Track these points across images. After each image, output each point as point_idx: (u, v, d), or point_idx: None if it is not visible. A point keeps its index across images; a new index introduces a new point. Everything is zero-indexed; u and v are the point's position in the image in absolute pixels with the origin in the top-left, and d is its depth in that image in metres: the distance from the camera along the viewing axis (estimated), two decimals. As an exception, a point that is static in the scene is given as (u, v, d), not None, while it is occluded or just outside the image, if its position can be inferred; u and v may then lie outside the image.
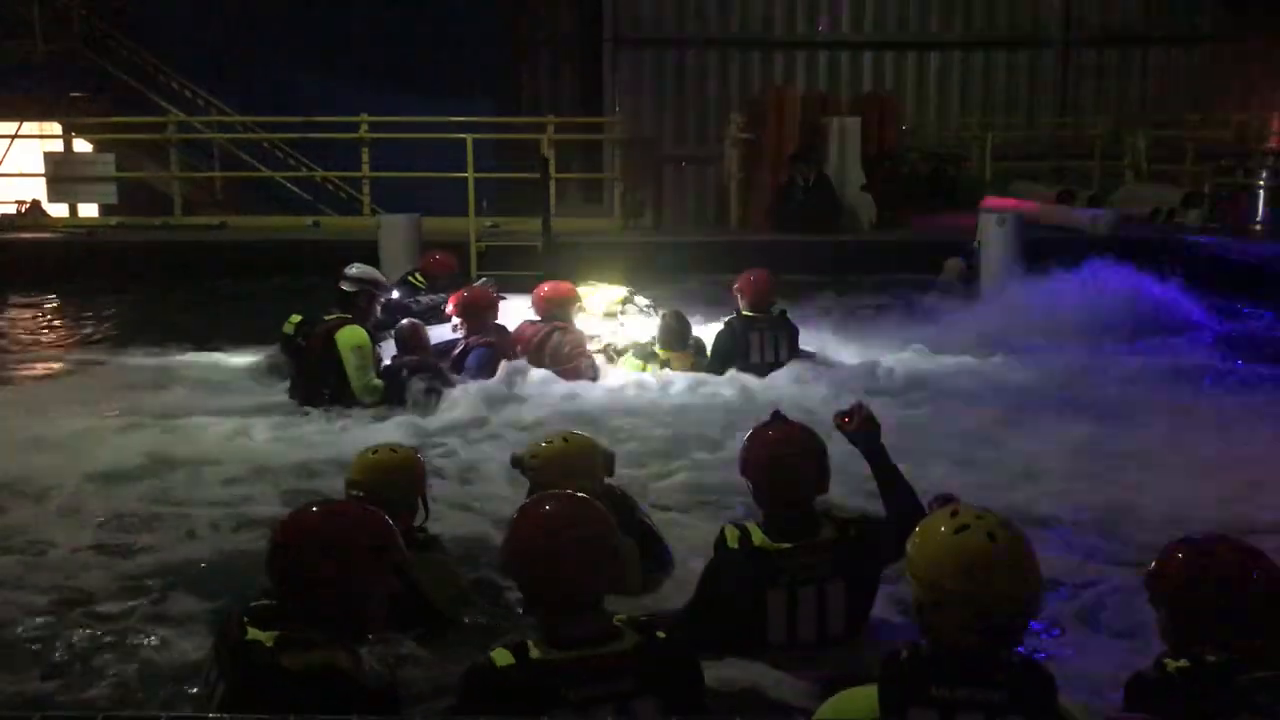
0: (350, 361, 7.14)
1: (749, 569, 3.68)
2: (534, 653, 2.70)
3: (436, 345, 8.01)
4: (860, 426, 3.91)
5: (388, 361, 7.56)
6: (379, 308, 7.67)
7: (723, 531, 3.79)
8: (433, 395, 7.19)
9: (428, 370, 7.37)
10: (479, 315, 7.77)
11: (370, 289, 7.45)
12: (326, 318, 7.34)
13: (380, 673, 2.85)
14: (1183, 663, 2.71)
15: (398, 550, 2.89)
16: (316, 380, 7.28)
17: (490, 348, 7.62)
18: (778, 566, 3.67)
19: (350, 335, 7.16)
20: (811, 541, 3.71)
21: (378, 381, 7.22)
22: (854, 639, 3.76)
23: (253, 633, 2.71)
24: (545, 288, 8.12)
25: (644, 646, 2.75)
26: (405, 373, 7.32)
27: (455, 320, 7.80)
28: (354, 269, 7.54)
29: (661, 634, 2.80)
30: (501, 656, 2.70)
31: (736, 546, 3.70)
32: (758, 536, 3.70)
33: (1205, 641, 2.74)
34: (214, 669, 2.79)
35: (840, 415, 3.98)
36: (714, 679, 3.55)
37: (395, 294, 9.02)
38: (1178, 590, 2.83)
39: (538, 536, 2.82)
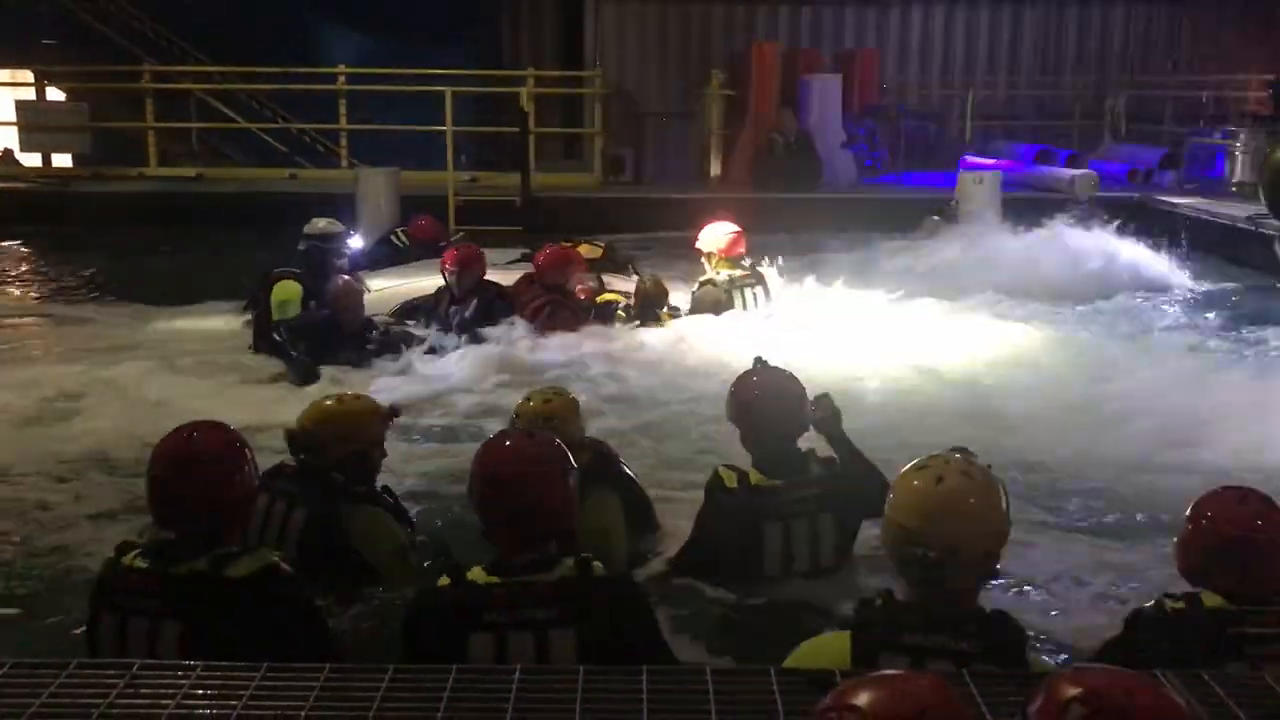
0: (274, 315, 7.21)
1: (748, 506, 3.90)
2: (469, 576, 2.82)
3: (415, 300, 7.95)
4: (825, 416, 4.08)
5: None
6: (337, 260, 7.55)
7: (717, 473, 3.99)
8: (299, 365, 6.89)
9: (311, 336, 7.02)
10: (472, 272, 7.70)
11: (318, 244, 7.41)
12: (274, 270, 7.42)
13: None
14: (1180, 604, 2.77)
15: (246, 459, 3.01)
16: (266, 330, 7.33)
17: (485, 302, 7.56)
18: (773, 501, 3.92)
19: (279, 290, 7.25)
20: (802, 478, 3.95)
21: None
22: (842, 568, 4.01)
23: (179, 567, 2.82)
24: (546, 252, 7.99)
25: (571, 580, 2.79)
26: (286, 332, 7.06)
27: (451, 277, 7.66)
28: (311, 225, 7.52)
29: (598, 570, 2.83)
30: (443, 579, 2.85)
31: (735, 485, 3.91)
32: (754, 476, 3.93)
33: (1218, 585, 2.78)
34: (116, 616, 2.84)
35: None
36: (712, 612, 3.77)
37: (359, 240, 8.85)
38: (1196, 529, 2.87)
39: (491, 467, 2.93)
